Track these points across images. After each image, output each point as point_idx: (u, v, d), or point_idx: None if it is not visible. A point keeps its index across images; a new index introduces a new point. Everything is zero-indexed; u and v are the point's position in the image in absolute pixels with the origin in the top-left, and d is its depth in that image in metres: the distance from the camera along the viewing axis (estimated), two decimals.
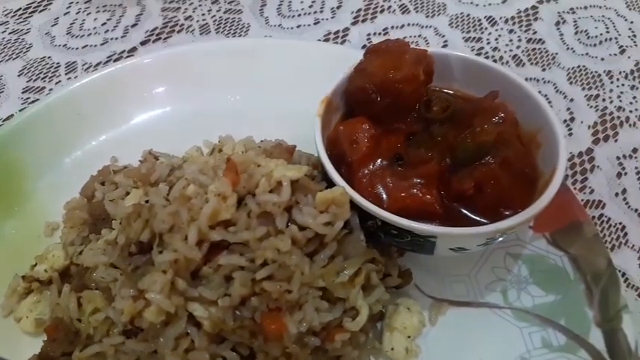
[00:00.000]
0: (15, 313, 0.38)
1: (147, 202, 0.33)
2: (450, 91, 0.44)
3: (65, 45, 0.58)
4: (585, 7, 0.65)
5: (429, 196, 0.37)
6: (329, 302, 0.33)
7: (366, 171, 0.38)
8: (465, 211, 0.36)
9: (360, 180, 0.37)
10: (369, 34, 0.60)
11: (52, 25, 0.60)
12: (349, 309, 0.33)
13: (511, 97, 0.41)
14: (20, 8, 0.62)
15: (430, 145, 0.39)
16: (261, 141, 0.42)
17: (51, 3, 0.62)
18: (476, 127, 0.38)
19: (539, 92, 0.54)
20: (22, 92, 0.53)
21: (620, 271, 0.43)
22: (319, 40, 0.60)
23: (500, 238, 0.36)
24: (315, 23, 0.62)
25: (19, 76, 0.55)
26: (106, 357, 0.32)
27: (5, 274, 0.39)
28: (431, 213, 0.36)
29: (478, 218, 0.36)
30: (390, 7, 0.63)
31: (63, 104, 0.47)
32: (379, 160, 0.39)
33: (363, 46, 0.55)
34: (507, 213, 0.35)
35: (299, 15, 0.63)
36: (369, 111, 0.41)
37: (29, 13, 0.61)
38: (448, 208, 0.37)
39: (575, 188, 0.48)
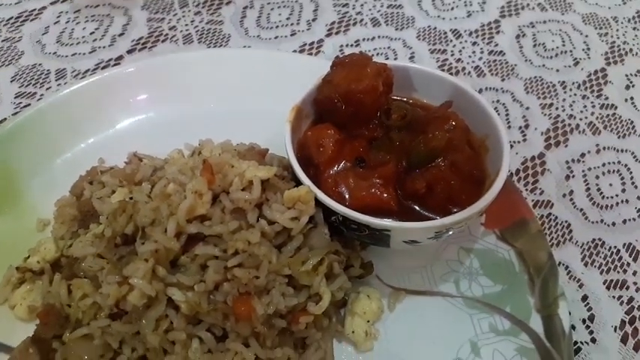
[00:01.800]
0: (9, 301, 0.41)
1: (131, 199, 0.37)
2: (409, 100, 0.48)
3: (55, 53, 0.61)
4: (544, 22, 0.70)
5: (386, 195, 0.41)
6: (295, 289, 0.37)
7: (332, 172, 0.42)
8: (418, 209, 0.41)
9: (325, 180, 0.41)
10: (341, 46, 0.64)
11: (43, 34, 0.63)
12: (313, 295, 0.37)
13: (464, 106, 0.45)
14: (12, 17, 0.65)
15: (389, 149, 0.43)
16: (237, 144, 0.46)
17: (42, 13, 0.65)
18: (428, 134, 0.42)
19: (498, 101, 0.60)
20: (15, 97, 0.56)
21: (564, 264, 0.48)
22: (295, 50, 0.63)
23: (450, 232, 0.41)
24: (291, 35, 0.66)
25: (11, 82, 0.58)
26: (94, 338, 0.36)
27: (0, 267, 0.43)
28: (388, 210, 0.40)
29: (430, 215, 0.40)
30: (362, 20, 0.68)
31: (53, 109, 0.50)
32: (343, 163, 0.43)
33: (337, 57, 0.59)
34: (456, 210, 0.40)
35: (277, 27, 0.66)
36: (335, 118, 0.44)
37: (21, 22, 0.64)
38: (403, 206, 0.41)
39: (526, 189, 0.52)
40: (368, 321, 0.40)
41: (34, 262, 0.41)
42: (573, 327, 0.43)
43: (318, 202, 0.39)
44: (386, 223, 0.38)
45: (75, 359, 0.36)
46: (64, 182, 0.47)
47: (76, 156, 0.50)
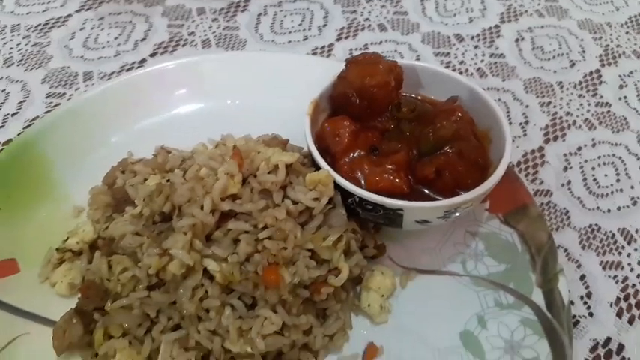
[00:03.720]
0: (50, 279, 0.45)
1: (168, 181, 0.41)
2: (418, 96, 0.52)
3: (82, 56, 0.65)
4: (542, 27, 0.74)
5: (398, 180, 0.44)
6: (316, 263, 0.40)
7: (347, 160, 0.46)
8: (427, 192, 0.44)
9: (342, 167, 0.45)
10: (350, 49, 0.68)
11: (70, 39, 0.67)
12: (333, 269, 0.41)
13: (468, 101, 0.49)
14: (40, 24, 0.69)
15: (400, 139, 0.47)
16: (259, 136, 0.50)
17: (68, 20, 0.69)
18: (437, 125, 0.46)
19: (499, 99, 0.63)
20: (46, 97, 0.60)
21: (562, 247, 0.51)
22: (307, 53, 0.68)
23: (457, 213, 0.44)
24: (303, 39, 0.70)
25: (42, 83, 0.62)
26: (133, 308, 0.39)
27: (40, 250, 0.46)
28: (400, 193, 0.43)
29: (438, 197, 0.44)
30: (370, 25, 0.72)
31: (84, 107, 0.54)
32: (358, 151, 0.47)
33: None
34: (462, 193, 0.43)
35: (289, 32, 0.70)
36: (350, 111, 0.48)
37: (48, 28, 0.68)
38: (414, 190, 0.44)
39: (527, 180, 0.56)
40: (382, 295, 0.44)
41: (73, 243, 0.45)
42: (572, 302, 0.47)
43: (336, 186, 0.43)
44: (399, 202, 0.41)
45: (115, 328, 0.39)
46: (97, 174, 0.50)
47: (107, 149, 0.53)
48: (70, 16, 0.70)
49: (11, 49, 0.65)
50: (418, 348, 0.43)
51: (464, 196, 0.42)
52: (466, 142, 0.45)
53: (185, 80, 0.58)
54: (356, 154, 0.46)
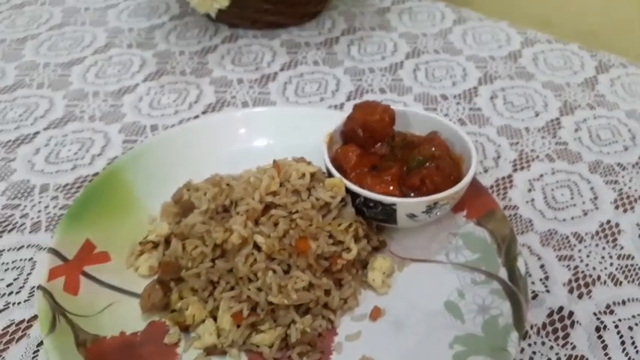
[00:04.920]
0: (134, 265, 0.59)
1: (228, 185, 0.57)
2: (406, 132, 0.68)
3: (149, 114, 0.83)
4: (512, 87, 0.92)
5: (392, 187, 0.59)
6: (333, 242, 0.55)
7: (354, 174, 0.61)
8: (414, 196, 0.60)
9: (351, 179, 0.60)
10: None
11: (139, 102, 0.86)
12: (346, 248, 0.55)
13: (445, 134, 0.65)
14: (115, 90, 0.88)
15: (393, 160, 0.63)
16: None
17: (136, 88, 0.89)
18: (420, 149, 0.63)
19: (476, 141, 0.79)
20: (122, 143, 0.77)
21: (526, 245, 0.65)
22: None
23: (437, 210, 0.59)
24: (320, 100, 0.88)
25: (119, 132, 0.80)
26: (200, 275, 0.53)
27: (125, 246, 0.61)
28: (394, 197, 0.59)
29: None
30: (372, 89, 0.90)
31: (154, 145, 0.69)
32: (362, 169, 0.62)
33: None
34: None
35: (309, 95, 0.89)
36: (356, 142, 0.65)
37: (122, 94, 0.87)
38: (404, 194, 0.60)
39: (499, 197, 0.71)
40: (384, 273, 0.57)
41: (152, 236, 0.60)
42: (533, 282, 0.60)
43: (346, 190, 0.58)
44: (393, 199, 0.57)
45: (187, 291, 0.54)
46: (166, 193, 0.65)
47: (173, 176, 0.69)
48: (137, 85, 0.89)
49: (94, 109, 0.84)
50: (411, 311, 0.56)
51: (439, 195, 0.57)
52: (442, 160, 0.61)
53: (232, 128, 0.74)
54: (360, 171, 0.62)
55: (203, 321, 0.52)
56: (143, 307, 0.54)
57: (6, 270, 0.60)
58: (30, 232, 0.64)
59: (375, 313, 0.55)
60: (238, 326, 0.51)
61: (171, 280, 0.55)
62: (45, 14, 1.09)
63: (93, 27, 1.05)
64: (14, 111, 0.83)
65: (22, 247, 0.63)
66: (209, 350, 0.51)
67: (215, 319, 0.52)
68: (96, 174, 0.72)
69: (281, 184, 0.56)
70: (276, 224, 0.54)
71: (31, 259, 0.61)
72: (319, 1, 1.09)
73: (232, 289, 0.53)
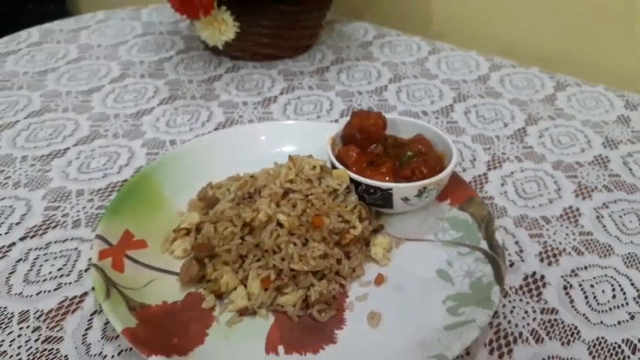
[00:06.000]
0: (169, 249, 0.68)
1: (251, 177, 0.67)
2: (396, 135, 0.80)
3: (166, 131, 0.93)
4: (483, 104, 1.05)
5: (387, 178, 0.71)
6: (342, 221, 0.65)
7: (355, 169, 0.73)
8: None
9: (352, 172, 0.72)
10: None
11: (156, 121, 0.96)
12: (352, 226, 0.66)
13: (430, 136, 0.77)
14: (133, 113, 0.99)
15: (387, 157, 0.74)
16: None
17: (152, 110, 1.00)
18: (410, 147, 0.75)
19: (458, 143, 0.91)
20: (146, 155, 0.88)
21: (502, 227, 0.76)
22: None
23: (426, 195, 0.70)
24: (317, 117, 1.00)
25: (141, 147, 0.89)
26: (231, 251, 0.63)
27: (160, 235, 0.70)
28: (390, 183, 0.70)
29: None
30: (362, 107, 1.02)
31: (179, 154, 0.79)
32: (361, 164, 0.74)
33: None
34: None
35: (307, 114, 1.01)
36: (355, 143, 0.76)
37: (140, 116, 0.98)
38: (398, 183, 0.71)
39: (477, 191, 0.83)
40: (384, 248, 0.68)
41: (185, 225, 0.69)
42: (509, 254, 0.71)
43: (350, 180, 0.69)
44: (389, 184, 0.68)
45: (220, 264, 0.63)
46: (192, 192, 0.75)
47: (197, 177, 0.78)
48: (153, 108, 1.00)
49: (116, 128, 0.94)
50: (409, 278, 0.65)
51: (428, 180, 0.68)
52: (428, 155, 0.73)
53: (245, 138, 0.84)
54: (360, 166, 0.73)
55: (235, 288, 0.62)
56: (182, 280, 0.63)
57: (55, 258, 0.69)
58: (72, 228, 0.73)
59: (379, 279, 0.65)
60: (266, 290, 0.61)
61: (205, 256, 0.64)
62: (62, 50, 1.20)
63: (107, 61, 1.16)
64: (44, 131, 0.93)
65: (66, 239, 0.71)
66: (241, 311, 0.60)
67: (245, 286, 0.62)
68: (125, 180, 0.81)
69: (296, 175, 0.67)
70: (294, 205, 0.64)
71: (76, 248, 0.70)
72: (310, 35, 1.22)
73: (259, 260, 0.62)
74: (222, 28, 1.00)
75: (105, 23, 1.34)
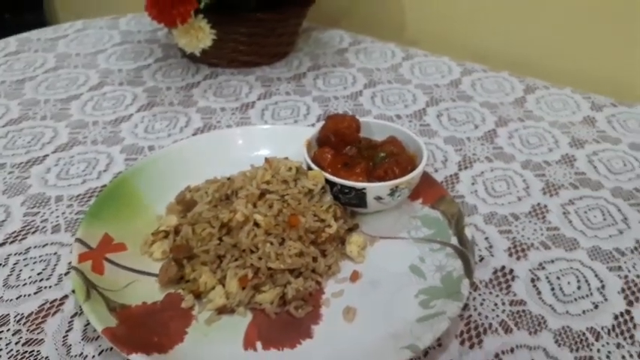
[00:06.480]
0: (147, 252, 0.70)
1: (228, 179, 0.69)
2: (370, 138, 0.83)
3: (145, 137, 0.95)
4: (455, 107, 1.09)
5: (361, 178, 0.73)
6: (317, 220, 0.67)
7: (330, 170, 0.75)
8: None
9: (327, 173, 0.74)
10: None
11: (135, 128, 0.98)
12: (327, 225, 0.68)
13: (401, 138, 0.80)
14: (112, 120, 1.00)
15: (361, 158, 0.77)
16: None
17: (131, 117, 1.01)
18: (383, 148, 0.77)
19: (431, 144, 0.94)
20: (124, 160, 0.89)
21: (472, 224, 0.79)
22: None
23: (399, 194, 0.72)
24: (294, 122, 1.02)
25: (120, 153, 0.91)
26: (209, 251, 0.64)
27: (139, 239, 0.71)
28: (363, 183, 0.72)
29: None
30: (338, 112, 1.05)
31: (157, 159, 0.81)
32: (336, 166, 0.76)
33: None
34: None
35: (285, 119, 1.03)
36: (330, 145, 0.78)
37: (119, 123, 0.99)
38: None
39: (448, 190, 0.86)
40: (359, 246, 0.70)
41: (163, 227, 0.71)
42: (480, 250, 0.74)
43: (325, 181, 0.71)
44: (363, 184, 0.70)
45: (198, 265, 0.64)
46: (170, 196, 0.77)
47: (175, 182, 0.80)
48: (132, 115, 1.01)
49: (95, 135, 0.95)
50: (383, 274, 0.67)
51: (400, 179, 0.71)
52: (400, 156, 0.75)
53: (223, 143, 0.86)
54: (335, 167, 0.75)
55: (213, 287, 0.63)
56: (161, 281, 0.64)
57: (34, 262, 0.69)
58: (52, 233, 0.74)
59: (354, 276, 0.67)
60: (243, 288, 0.62)
61: (184, 258, 0.65)
62: (39, 59, 1.21)
63: (85, 69, 1.17)
64: (22, 139, 0.93)
65: (46, 244, 0.72)
66: (220, 310, 0.62)
67: (223, 285, 0.63)
68: (104, 185, 0.82)
69: (272, 176, 0.69)
70: (271, 206, 0.66)
71: (56, 253, 0.71)
72: (287, 43, 1.25)
73: (236, 260, 0.64)
74: (200, 36, 1.02)
75: (83, 32, 1.35)
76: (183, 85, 1.12)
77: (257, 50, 1.19)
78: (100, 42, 1.30)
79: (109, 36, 1.33)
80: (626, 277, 0.70)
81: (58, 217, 0.77)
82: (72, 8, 2.25)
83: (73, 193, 0.82)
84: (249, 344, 0.59)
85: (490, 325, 0.64)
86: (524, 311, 0.66)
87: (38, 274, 0.68)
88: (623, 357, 0.60)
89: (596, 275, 0.71)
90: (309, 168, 0.73)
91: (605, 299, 0.67)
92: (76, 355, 0.59)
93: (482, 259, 0.73)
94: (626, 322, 0.64)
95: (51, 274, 0.68)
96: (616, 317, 0.65)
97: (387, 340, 0.58)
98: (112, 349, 0.59)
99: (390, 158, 0.75)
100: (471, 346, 0.61)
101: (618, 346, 0.62)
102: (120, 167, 0.87)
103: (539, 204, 0.83)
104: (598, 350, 0.61)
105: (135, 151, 0.91)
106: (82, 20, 1.40)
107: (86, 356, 0.58)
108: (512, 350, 0.61)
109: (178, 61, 1.22)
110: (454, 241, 0.70)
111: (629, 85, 1.17)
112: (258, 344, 0.59)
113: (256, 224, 0.65)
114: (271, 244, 0.64)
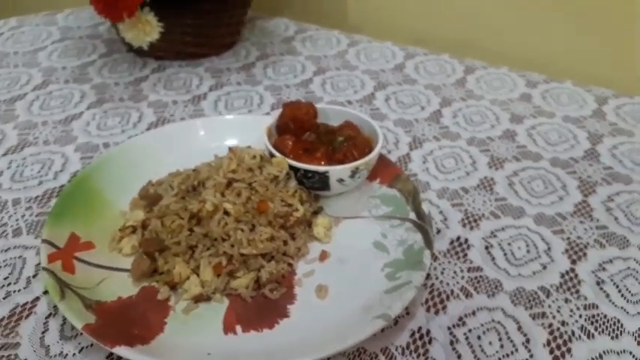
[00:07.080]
0: (116, 248, 0.70)
1: (194, 171, 0.70)
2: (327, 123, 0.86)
3: (98, 134, 0.94)
4: (401, 91, 1.13)
5: (322, 162, 0.76)
6: (285, 204, 0.70)
7: (292, 156, 0.77)
8: None
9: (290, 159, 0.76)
10: None
11: (87, 125, 0.96)
12: (295, 209, 0.71)
13: (357, 121, 0.84)
14: (62, 119, 0.98)
15: (321, 143, 0.80)
16: None
17: (82, 115, 0.99)
18: (341, 132, 0.80)
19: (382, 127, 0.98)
20: (80, 159, 0.88)
21: (428, 199, 0.84)
22: None
23: (359, 175, 0.76)
24: (248, 111, 1.03)
25: (74, 152, 0.89)
26: (181, 242, 0.66)
27: (105, 236, 0.71)
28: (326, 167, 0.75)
29: None
30: (291, 100, 1.08)
31: (115, 155, 0.80)
32: (297, 151, 0.79)
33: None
34: None
35: (239, 109, 1.04)
36: (289, 132, 0.81)
37: (70, 120, 0.97)
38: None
39: (403, 169, 0.90)
40: (325, 227, 0.73)
41: (130, 223, 0.71)
42: (436, 223, 0.79)
43: (289, 167, 0.74)
44: (326, 168, 0.73)
45: (171, 257, 0.66)
46: (133, 191, 0.77)
47: (137, 177, 0.80)
48: (82, 112, 0.99)
49: (46, 135, 0.93)
50: (349, 251, 0.71)
51: (360, 161, 0.74)
52: (357, 139, 0.79)
53: (182, 134, 0.87)
54: (296, 153, 0.78)
55: (188, 277, 0.65)
56: (134, 275, 0.65)
57: None
58: (13, 237, 0.73)
59: (323, 256, 0.70)
60: (218, 276, 0.64)
61: (155, 250, 0.66)
62: None
63: (27, 68, 1.13)
64: None
65: (9, 248, 0.71)
66: (196, 298, 0.63)
67: (197, 275, 0.65)
68: (63, 186, 0.81)
69: (238, 165, 0.71)
70: (239, 194, 0.68)
71: (21, 256, 0.70)
72: (233, 33, 1.26)
73: (209, 249, 0.66)
74: (147, 29, 1.01)
75: (19, 30, 1.30)
76: (131, 80, 1.11)
77: (204, 42, 1.19)
78: (39, 39, 1.26)
79: (48, 33, 1.29)
80: (568, 238, 0.77)
81: (17, 220, 0.75)
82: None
83: (30, 195, 0.80)
84: (229, 329, 0.61)
85: (452, 291, 0.69)
86: (481, 277, 0.71)
87: (5, 278, 0.67)
88: (571, 310, 0.67)
89: (542, 239, 0.77)
90: (272, 155, 0.76)
91: (552, 260, 0.74)
92: (56, 355, 0.59)
93: (439, 231, 0.78)
94: (571, 279, 0.71)
95: (18, 278, 0.67)
96: (562, 275, 0.72)
97: (359, 312, 0.62)
98: (92, 345, 0.59)
99: (348, 142, 0.78)
100: (437, 312, 0.66)
101: (566, 300, 0.68)
102: (76, 166, 0.86)
103: (486, 177, 0.89)
104: (549, 306, 0.67)
105: (90, 149, 0.90)
106: (16, 17, 1.35)
107: (67, 355, 0.59)
108: (473, 313, 0.66)
109: (124, 55, 1.20)
110: (412, 216, 0.75)
111: (558, 62, 1.26)
112: (238, 328, 0.61)
113: (226, 213, 0.67)
114: (242, 230, 0.66)
